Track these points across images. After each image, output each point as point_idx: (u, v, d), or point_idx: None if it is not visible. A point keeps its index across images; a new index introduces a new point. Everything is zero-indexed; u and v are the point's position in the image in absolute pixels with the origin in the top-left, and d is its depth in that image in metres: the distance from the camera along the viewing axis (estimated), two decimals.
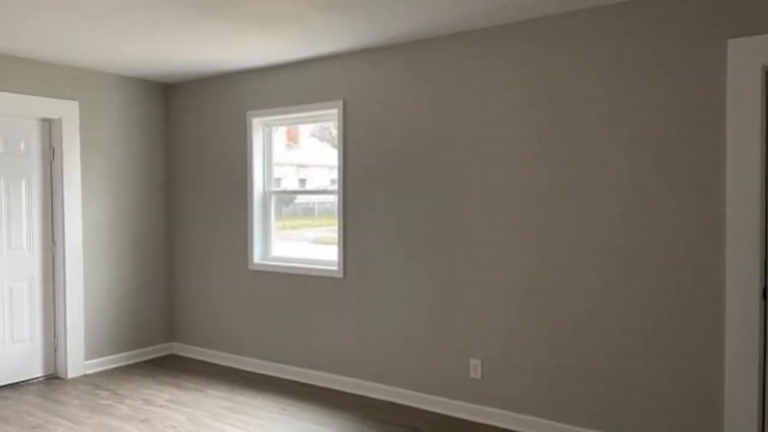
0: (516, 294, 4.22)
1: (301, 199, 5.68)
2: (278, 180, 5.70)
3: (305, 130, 5.69)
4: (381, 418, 4.45)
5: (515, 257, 4.21)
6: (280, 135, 5.70)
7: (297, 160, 5.79)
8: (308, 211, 5.68)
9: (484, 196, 4.32)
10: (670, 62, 3.61)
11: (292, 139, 5.79)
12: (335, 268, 5.11)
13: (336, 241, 5.15)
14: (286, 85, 5.33)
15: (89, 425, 4.31)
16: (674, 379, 3.64)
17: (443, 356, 4.55)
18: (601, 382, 3.90)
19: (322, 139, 5.57)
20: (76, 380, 5.35)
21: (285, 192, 5.63)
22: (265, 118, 5.54)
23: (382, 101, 4.79)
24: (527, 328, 4.18)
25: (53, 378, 5.40)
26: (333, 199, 5.29)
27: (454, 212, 4.47)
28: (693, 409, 3.59)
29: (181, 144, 6.16)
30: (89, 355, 5.58)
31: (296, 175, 5.79)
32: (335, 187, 5.20)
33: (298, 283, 5.33)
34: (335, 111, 5.07)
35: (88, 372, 5.55)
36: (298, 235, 5.66)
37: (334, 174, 5.23)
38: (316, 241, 5.50)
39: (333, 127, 5.29)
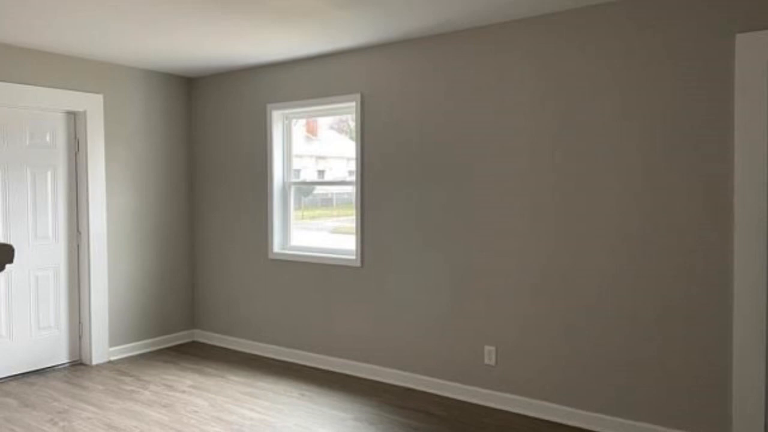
0: (530, 281, 4.29)
1: (319, 189, 5.77)
2: (297, 171, 5.80)
3: (324, 122, 5.78)
4: (397, 403, 4.54)
5: (529, 245, 4.28)
6: (299, 127, 5.80)
7: (316, 151, 5.89)
8: (326, 202, 5.77)
9: (499, 186, 4.39)
10: (679, 56, 3.66)
11: (311, 131, 5.88)
12: (353, 257, 5.20)
13: (354, 230, 5.25)
14: (306, 79, 5.43)
15: (113, 410, 4.44)
16: (684, 363, 3.71)
17: (458, 343, 4.63)
18: (614, 367, 3.97)
19: (340, 131, 5.66)
20: (101, 366, 5.49)
21: (304, 183, 5.73)
22: (285, 111, 5.63)
23: (399, 94, 4.87)
24: (541, 314, 4.26)
25: (78, 364, 5.55)
26: (351, 190, 5.39)
27: (469, 202, 4.54)
28: (702, 393, 3.66)
29: (202, 136, 6.27)
30: (113, 341, 5.72)
31: (315, 166, 5.88)
32: (353, 178, 5.29)
33: (316, 271, 5.43)
34: (353, 104, 5.15)
35: (112, 358, 5.69)
36: (317, 225, 5.75)
37: (352, 165, 5.32)
38: (335, 231, 5.60)
39: (351, 120, 5.38)
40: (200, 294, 6.38)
